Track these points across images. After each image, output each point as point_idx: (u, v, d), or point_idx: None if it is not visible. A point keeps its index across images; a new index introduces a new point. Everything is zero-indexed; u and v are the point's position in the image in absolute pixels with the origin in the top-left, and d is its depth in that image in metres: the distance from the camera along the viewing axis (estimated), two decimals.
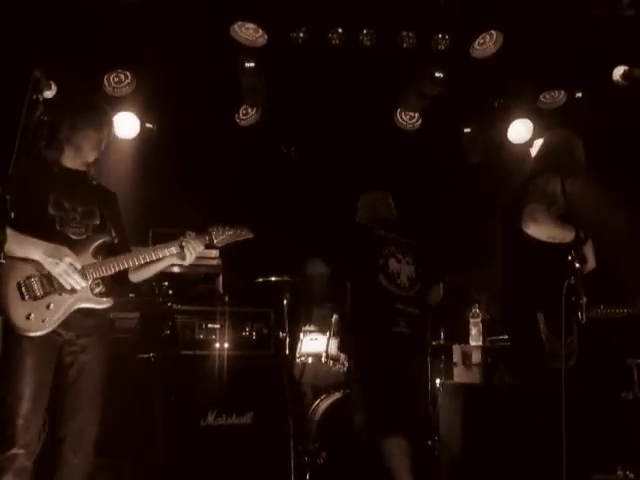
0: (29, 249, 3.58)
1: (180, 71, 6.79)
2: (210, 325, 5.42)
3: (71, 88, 6.10)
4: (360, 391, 5.27)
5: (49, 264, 3.61)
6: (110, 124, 4.07)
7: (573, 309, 4.32)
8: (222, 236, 4.03)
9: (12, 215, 3.16)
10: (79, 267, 3.68)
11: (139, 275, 3.99)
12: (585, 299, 4.39)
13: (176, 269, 5.96)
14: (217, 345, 5.36)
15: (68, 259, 3.64)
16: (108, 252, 3.86)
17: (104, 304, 3.82)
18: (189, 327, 5.39)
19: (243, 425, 5.18)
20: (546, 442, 4.25)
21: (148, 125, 7.54)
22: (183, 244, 3.90)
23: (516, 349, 4.85)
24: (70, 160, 3.89)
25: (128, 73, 6.91)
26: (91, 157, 3.92)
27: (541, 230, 4.32)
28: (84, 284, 3.70)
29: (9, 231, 3.22)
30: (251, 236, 4.11)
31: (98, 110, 3.97)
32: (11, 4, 5.84)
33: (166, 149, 7.36)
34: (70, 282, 3.66)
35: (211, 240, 4.00)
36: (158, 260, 3.92)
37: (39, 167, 3.77)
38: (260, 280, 6.26)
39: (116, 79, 6.89)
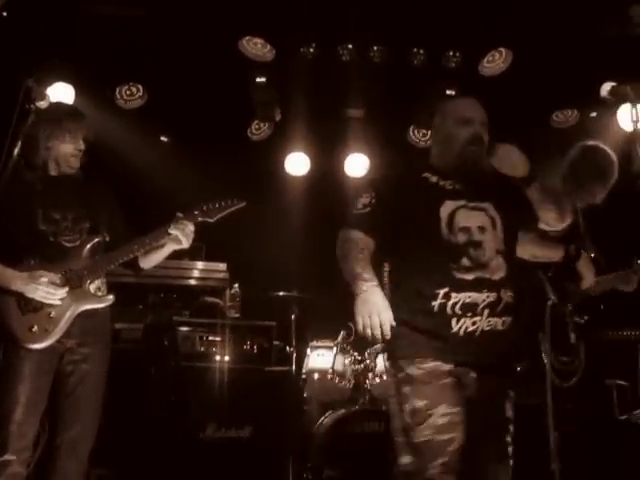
0: (7, 281, 3.62)
1: (192, 86, 6.81)
2: (211, 337, 5.42)
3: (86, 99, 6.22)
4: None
5: (29, 291, 3.63)
6: (84, 127, 3.92)
7: (566, 329, 4.20)
8: (213, 209, 3.92)
9: None
10: (58, 281, 3.69)
11: (147, 262, 3.98)
12: (584, 318, 4.25)
13: (186, 282, 6.03)
14: (217, 358, 5.37)
15: (44, 279, 3.65)
16: (104, 251, 3.85)
17: (105, 302, 3.83)
18: (189, 339, 5.40)
19: (242, 439, 5.17)
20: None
21: (162, 138, 7.60)
22: (171, 229, 3.83)
23: (523, 368, 4.74)
24: (53, 170, 3.86)
25: (140, 86, 6.97)
26: (73, 165, 3.89)
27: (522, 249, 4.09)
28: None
29: None
30: (243, 204, 3.97)
31: (68, 120, 3.86)
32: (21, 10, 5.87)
33: (179, 163, 7.38)
34: (56, 300, 3.67)
35: (203, 215, 3.89)
36: (157, 247, 3.89)
37: (21, 185, 3.73)
38: (269, 295, 6.24)
39: (128, 92, 6.96)
